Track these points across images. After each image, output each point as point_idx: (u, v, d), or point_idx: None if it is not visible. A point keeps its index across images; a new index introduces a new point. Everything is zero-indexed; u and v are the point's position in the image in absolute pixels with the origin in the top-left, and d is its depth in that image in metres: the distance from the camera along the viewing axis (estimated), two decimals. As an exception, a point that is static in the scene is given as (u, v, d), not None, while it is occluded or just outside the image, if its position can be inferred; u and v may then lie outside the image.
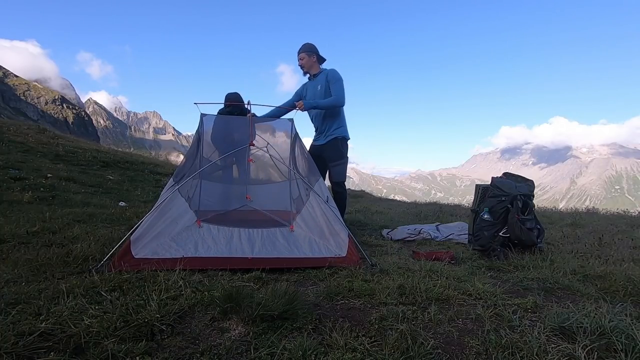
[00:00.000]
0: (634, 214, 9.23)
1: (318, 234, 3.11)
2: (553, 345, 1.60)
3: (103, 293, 1.92)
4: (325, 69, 4.12)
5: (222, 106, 4.75)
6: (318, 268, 2.71)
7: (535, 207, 3.80)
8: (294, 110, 4.06)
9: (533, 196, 3.67)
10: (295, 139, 3.72)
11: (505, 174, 3.91)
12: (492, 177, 3.83)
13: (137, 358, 1.40)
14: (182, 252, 2.68)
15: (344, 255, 2.96)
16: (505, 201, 3.48)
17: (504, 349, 1.58)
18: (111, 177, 8.48)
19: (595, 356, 1.50)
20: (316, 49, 4.10)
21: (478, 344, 1.64)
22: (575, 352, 1.52)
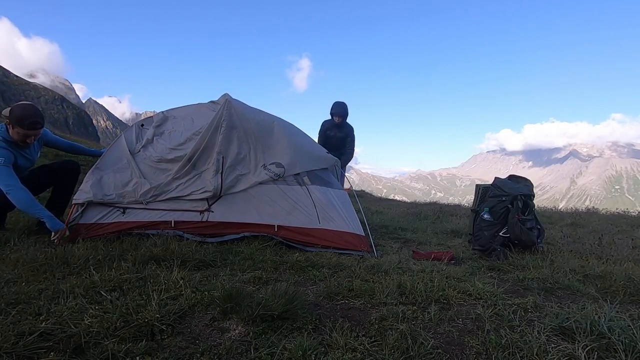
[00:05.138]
0: (634, 214, 9.24)
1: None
2: (553, 345, 1.61)
3: (103, 293, 1.92)
4: None
5: None
6: (318, 267, 2.71)
7: (535, 207, 3.80)
8: None
9: (533, 196, 3.67)
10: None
11: (510, 176, 3.92)
12: (495, 177, 3.84)
13: (137, 358, 1.40)
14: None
15: (363, 235, 3.38)
16: (506, 201, 3.49)
17: (504, 349, 1.58)
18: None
19: (595, 356, 1.50)
20: None
21: (478, 344, 1.64)
22: (575, 352, 1.52)
